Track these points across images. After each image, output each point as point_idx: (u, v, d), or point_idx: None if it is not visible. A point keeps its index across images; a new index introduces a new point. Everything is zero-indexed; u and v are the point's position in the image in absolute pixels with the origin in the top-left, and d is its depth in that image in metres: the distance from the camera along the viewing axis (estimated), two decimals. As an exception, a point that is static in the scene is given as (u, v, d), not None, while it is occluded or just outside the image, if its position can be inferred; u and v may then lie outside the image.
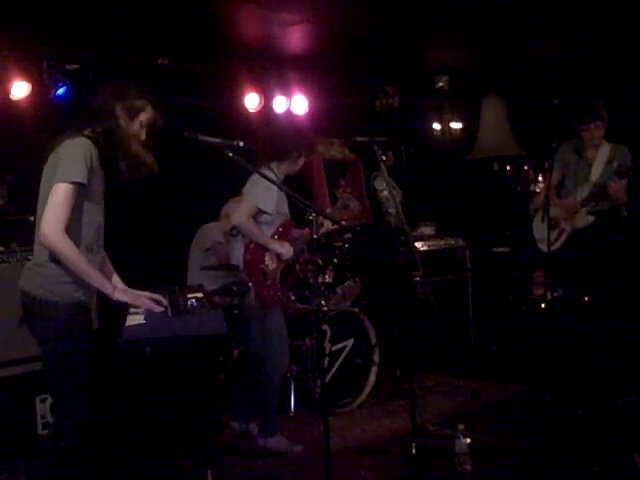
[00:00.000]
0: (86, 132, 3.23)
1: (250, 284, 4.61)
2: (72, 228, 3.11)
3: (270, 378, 4.69)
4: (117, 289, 3.28)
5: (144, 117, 3.36)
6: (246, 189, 4.71)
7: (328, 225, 4.88)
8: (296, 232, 4.89)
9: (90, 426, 3.19)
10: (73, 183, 3.07)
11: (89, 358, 3.20)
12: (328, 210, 6.63)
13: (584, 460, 4.18)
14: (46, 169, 3.21)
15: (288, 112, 6.95)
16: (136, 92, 3.35)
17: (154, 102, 3.40)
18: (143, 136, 3.38)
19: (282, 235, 4.76)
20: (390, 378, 6.11)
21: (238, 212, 4.62)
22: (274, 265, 4.72)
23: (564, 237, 5.60)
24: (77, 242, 3.13)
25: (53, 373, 3.18)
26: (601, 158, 5.55)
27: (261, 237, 4.62)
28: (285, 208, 4.78)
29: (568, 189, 5.72)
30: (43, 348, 3.20)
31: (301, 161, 4.81)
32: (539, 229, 5.74)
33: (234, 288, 5.07)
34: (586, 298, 5.52)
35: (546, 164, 5.57)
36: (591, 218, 5.52)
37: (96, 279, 3.18)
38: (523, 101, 7.49)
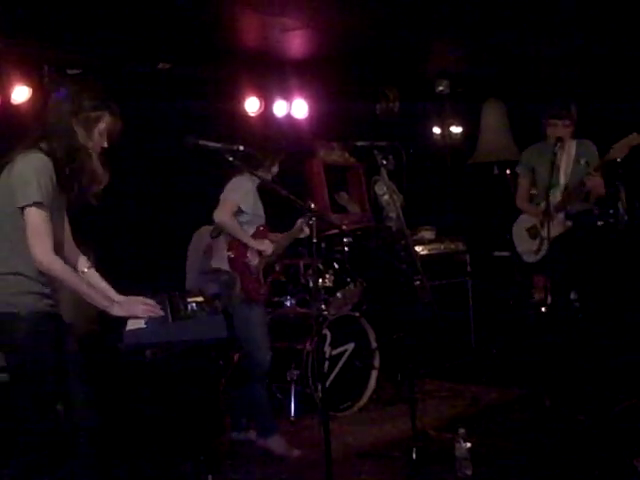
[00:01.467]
0: (43, 145, 3.14)
1: (236, 277, 4.67)
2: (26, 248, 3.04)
3: (256, 377, 4.70)
4: (114, 304, 3.21)
5: (102, 127, 3.26)
6: (226, 190, 4.78)
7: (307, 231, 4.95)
8: (272, 235, 4.98)
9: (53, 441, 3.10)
10: (39, 204, 3.02)
11: (57, 368, 3.12)
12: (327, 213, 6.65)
13: (585, 464, 4.19)
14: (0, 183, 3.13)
15: (288, 116, 6.97)
16: (92, 102, 3.23)
17: (111, 107, 3.28)
18: (104, 143, 3.29)
19: (260, 235, 4.84)
20: (390, 382, 6.10)
21: (220, 210, 4.67)
22: (256, 261, 4.79)
23: (546, 245, 5.46)
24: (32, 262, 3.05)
25: (18, 389, 3.12)
26: (568, 158, 5.42)
27: (242, 234, 4.72)
28: (261, 211, 4.86)
29: (540, 195, 5.58)
30: (6, 360, 3.13)
31: (275, 168, 4.89)
32: (521, 241, 5.70)
33: (220, 289, 5.08)
34: (577, 304, 5.48)
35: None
36: (569, 223, 5.39)
37: (93, 297, 3.15)
38: (523, 105, 7.49)
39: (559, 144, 5.29)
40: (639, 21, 5.68)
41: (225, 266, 4.74)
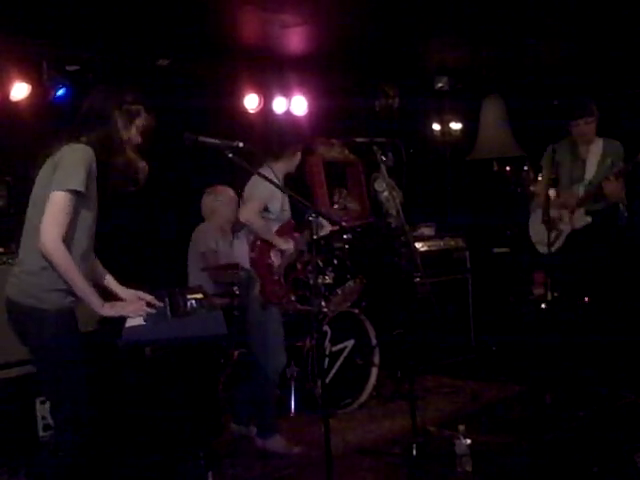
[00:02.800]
0: (83, 139, 3.18)
1: (257, 279, 4.63)
2: (68, 237, 3.08)
3: (268, 376, 4.69)
4: (105, 305, 3.21)
5: (140, 122, 3.33)
6: (249, 188, 4.72)
7: (327, 228, 4.90)
8: (295, 234, 4.91)
9: (91, 426, 3.17)
10: (72, 191, 3.04)
11: (82, 359, 3.17)
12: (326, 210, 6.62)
13: (585, 461, 4.19)
14: (41, 175, 3.17)
15: (287, 112, 6.96)
16: (133, 96, 3.32)
17: (148, 105, 3.37)
18: (139, 140, 3.36)
19: (285, 233, 4.79)
20: (390, 379, 6.10)
21: (246, 209, 4.64)
22: (279, 261, 4.75)
23: (563, 238, 5.54)
24: (73, 251, 3.10)
25: (50, 379, 3.16)
26: (594, 155, 5.48)
27: (268, 233, 4.66)
28: (287, 206, 4.80)
29: (563, 188, 5.61)
30: (36, 356, 3.17)
31: (298, 157, 4.83)
32: (536, 231, 5.69)
33: (235, 289, 5.08)
34: (586, 299, 5.50)
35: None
36: (589, 218, 5.45)
37: (87, 294, 3.14)
38: (523, 102, 7.49)
39: (585, 139, 5.44)
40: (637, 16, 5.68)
41: (245, 264, 4.71)
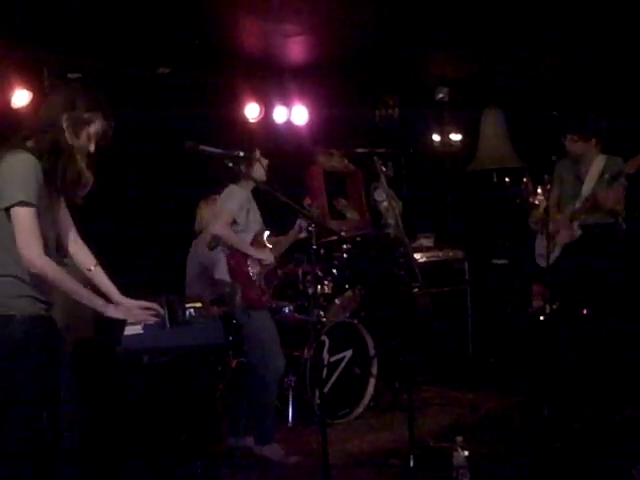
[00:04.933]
0: (29, 143, 3.09)
1: (238, 288, 4.65)
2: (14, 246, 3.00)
3: (266, 383, 4.68)
4: (109, 306, 3.19)
5: (92, 130, 3.19)
6: (221, 201, 4.79)
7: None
8: (272, 238, 4.99)
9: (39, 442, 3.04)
10: (28, 204, 2.97)
11: (44, 372, 3.07)
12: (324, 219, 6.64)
13: (582, 473, 4.17)
14: None
15: (288, 122, 6.97)
16: (85, 103, 3.17)
17: (106, 112, 3.22)
18: (92, 148, 3.23)
19: (258, 243, 4.84)
20: (388, 390, 6.09)
21: (217, 222, 4.67)
22: (257, 269, 4.78)
23: (557, 252, 5.57)
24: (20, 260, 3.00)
25: (4, 387, 3.05)
26: (594, 172, 5.48)
27: (241, 244, 4.71)
28: (258, 216, 4.86)
29: (563, 205, 5.67)
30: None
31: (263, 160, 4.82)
32: (539, 244, 5.76)
33: (224, 300, 5.09)
34: (584, 311, 5.51)
35: (545, 177, 5.57)
36: (579, 232, 5.48)
37: (89, 297, 3.11)
38: (523, 113, 7.50)
39: (580, 156, 5.47)
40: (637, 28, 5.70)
41: (226, 277, 4.73)
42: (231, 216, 4.67)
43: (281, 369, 4.76)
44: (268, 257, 4.83)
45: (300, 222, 4.93)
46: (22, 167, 3.02)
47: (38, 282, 3.08)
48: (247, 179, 4.65)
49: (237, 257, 4.72)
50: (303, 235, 4.98)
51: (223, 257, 4.77)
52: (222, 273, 4.78)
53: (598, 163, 5.49)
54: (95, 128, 3.20)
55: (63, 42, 5.39)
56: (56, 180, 3.11)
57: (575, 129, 5.46)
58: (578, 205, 5.51)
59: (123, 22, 5.12)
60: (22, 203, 2.97)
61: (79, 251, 3.39)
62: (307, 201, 5.00)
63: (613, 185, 5.30)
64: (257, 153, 4.77)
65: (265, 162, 4.80)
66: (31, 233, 2.99)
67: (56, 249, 3.22)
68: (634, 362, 5.40)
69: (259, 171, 4.73)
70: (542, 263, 5.63)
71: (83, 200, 3.24)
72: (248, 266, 4.73)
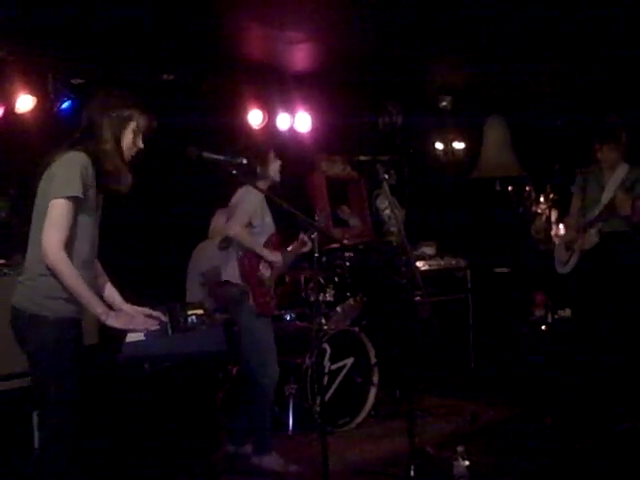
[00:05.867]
0: (79, 148, 3.17)
1: (248, 292, 4.63)
2: (69, 244, 3.07)
3: (264, 391, 4.67)
4: (110, 314, 3.19)
5: (134, 125, 3.28)
6: (234, 201, 4.75)
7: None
8: (282, 248, 4.95)
9: (74, 446, 3.10)
10: (69, 198, 3.04)
11: (76, 374, 3.13)
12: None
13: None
14: (41, 185, 3.16)
15: (291, 129, 6.97)
16: (120, 101, 3.27)
17: (141, 106, 3.31)
18: (140, 144, 3.32)
19: (272, 245, 4.82)
20: (389, 398, 6.07)
21: (232, 223, 4.65)
22: (268, 273, 4.77)
23: (575, 259, 5.64)
24: (74, 258, 3.09)
25: (40, 389, 3.12)
26: (615, 180, 5.55)
27: (256, 246, 4.69)
28: (270, 220, 4.84)
29: (583, 212, 5.75)
30: (30, 363, 3.14)
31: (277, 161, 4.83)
32: (558, 252, 5.88)
33: (228, 302, 5.07)
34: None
35: (548, 185, 5.60)
36: (597, 239, 5.52)
37: (91, 302, 3.12)
38: (526, 122, 7.51)
39: (608, 164, 5.56)
40: (637, 37, 5.71)
41: (235, 279, 4.71)
42: (247, 217, 4.64)
43: (276, 376, 4.74)
44: (279, 259, 4.80)
45: (303, 236, 4.90)
46: (72, 163, 3.10)
47: None
48: (264, 179, 4.66)
49: (251, 259, 4.69)
50: (306, 249, 4.94)
51: (233, 259, 4.73)
52: (231, 275, 4.74)
53: (621, 171, 5.57)
54: (135, 123, 3.28)
55: (67, 48, 5.40)
56: (105, 182, 3.20)
57: (612, 138, 5.51)
58: (597, 212, 5.55)
59: (127, 29, 5.13)
60: (66, 197, 3.04)
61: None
62: (317, 215, 4.98)
63: (633, 193, 5.33)
64: (272, 154, 4.79)
65: (278, 163, 4.81)
66: (57, 225, 3.04)
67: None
68: (636, 374, 5.39)
69: (274, 171, 4.76)
70: (561, 270, 5.69)
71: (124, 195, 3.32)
72: (260, 270, 4.72)
